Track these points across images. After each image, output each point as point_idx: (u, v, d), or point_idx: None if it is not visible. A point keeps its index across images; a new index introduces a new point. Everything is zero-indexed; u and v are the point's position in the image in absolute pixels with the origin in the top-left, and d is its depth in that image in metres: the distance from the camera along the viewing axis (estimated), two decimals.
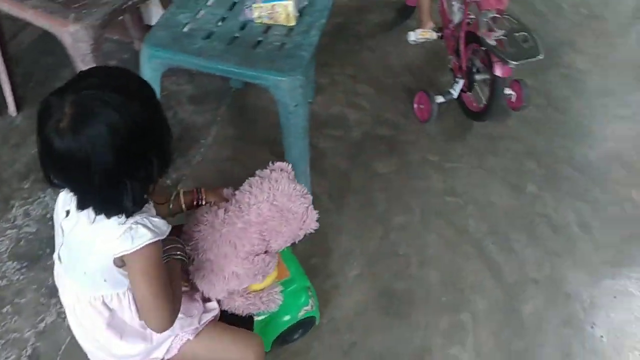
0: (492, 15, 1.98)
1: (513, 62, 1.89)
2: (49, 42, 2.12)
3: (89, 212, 0.96)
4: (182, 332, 1.15)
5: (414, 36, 2.31)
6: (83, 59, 1.70)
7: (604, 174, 2.13)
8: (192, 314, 1.16)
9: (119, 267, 1.01)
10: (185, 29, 1.65)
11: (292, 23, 1.71)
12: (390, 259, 1.76)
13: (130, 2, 1.77)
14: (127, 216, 0.96)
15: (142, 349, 1.12)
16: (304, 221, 1.24)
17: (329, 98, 2.31)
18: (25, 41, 2.38)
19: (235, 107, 2.24)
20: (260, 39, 1.67)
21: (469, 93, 2.22)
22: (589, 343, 1.61)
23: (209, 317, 1.20)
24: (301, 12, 1.77)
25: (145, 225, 0.96)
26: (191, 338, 1.16)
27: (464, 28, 2.09)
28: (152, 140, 0.94)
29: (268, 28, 1.71)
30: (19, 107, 2.09)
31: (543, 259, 1.81)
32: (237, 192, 1.26)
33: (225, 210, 1.24)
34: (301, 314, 1.43)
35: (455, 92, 2.21)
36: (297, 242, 1.27)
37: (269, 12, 1.69)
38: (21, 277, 1.63)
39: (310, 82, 2.20)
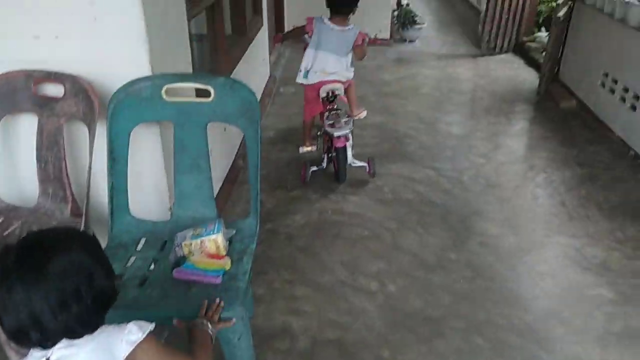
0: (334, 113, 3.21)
1: (335, 134, 3.04)
2: None
3: (66, 344, 1.11)
4: None
5: (301, 150, 3.57)
6: None
7: (545, 335, 2.20)
8: None
9: None
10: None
11: (223, 254, 1.76)
12: None
13: None
14: (95, 328, 1.14)
15: None
16: None
17: (270, 308, 2.31)
18: None
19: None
20: None
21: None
22: None
23: None
24: (230, 241, 1.84)
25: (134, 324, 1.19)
26: None
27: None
28: (90, 281, 1.12)
29: None
30: None
31: None
32: None
33: None
34: None
35: (324, 164, 3.33)
36: None
37: (199, 247, 1.74)
38: None
39: (248, 297, 2.20)
